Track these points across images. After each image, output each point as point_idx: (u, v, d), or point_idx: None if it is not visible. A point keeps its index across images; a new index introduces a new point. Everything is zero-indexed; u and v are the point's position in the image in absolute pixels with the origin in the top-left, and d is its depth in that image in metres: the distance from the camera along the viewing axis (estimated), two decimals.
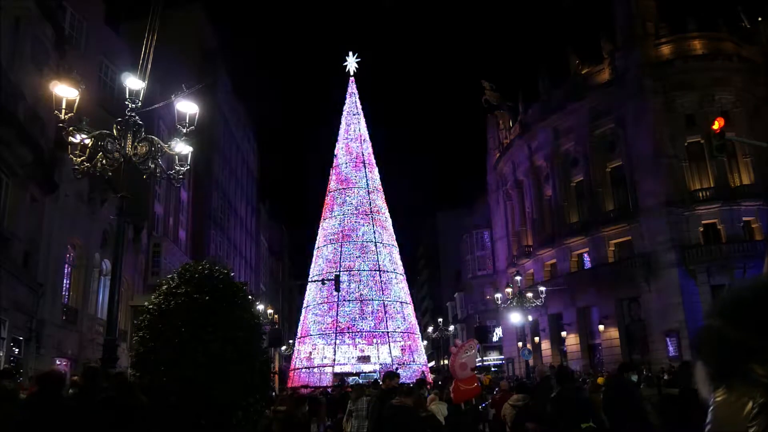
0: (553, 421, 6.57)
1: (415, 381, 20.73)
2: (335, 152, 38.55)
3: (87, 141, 8.63)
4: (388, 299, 34.38)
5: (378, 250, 35.27)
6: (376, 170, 38.13)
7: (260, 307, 29.95)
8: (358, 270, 34.65)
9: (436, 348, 71.37)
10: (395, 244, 36.90)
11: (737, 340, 1.02)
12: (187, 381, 5.77)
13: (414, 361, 33.64)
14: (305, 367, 33.62)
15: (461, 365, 10.19)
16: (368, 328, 33.32)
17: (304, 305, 36.77)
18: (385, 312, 33.85)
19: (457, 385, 10.34)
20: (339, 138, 38.81)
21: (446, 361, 70.03)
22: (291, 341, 48.00)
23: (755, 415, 0.96)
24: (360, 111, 39.33)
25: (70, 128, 8.47)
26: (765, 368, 0.97)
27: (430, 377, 31.97)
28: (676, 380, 11.00)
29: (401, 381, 11.71)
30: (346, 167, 37.46)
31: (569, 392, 6.09)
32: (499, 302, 31.83)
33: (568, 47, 42.73)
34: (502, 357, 50.14)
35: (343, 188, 36.82)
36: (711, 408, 1.07)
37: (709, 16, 46.16)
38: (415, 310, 38.95)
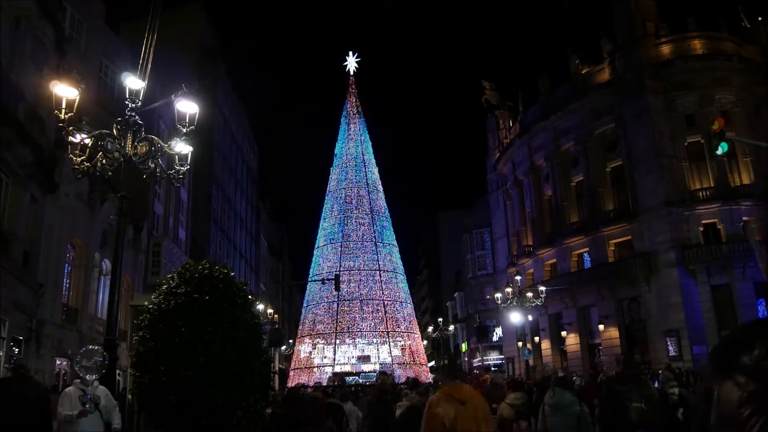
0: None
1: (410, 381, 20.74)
2: (335, 152, 38.58)
3: (87, 141, 8.62)
4: (388, 299, 34.36)
5: (378, 249, 35.26)
6: (376, 170, 38.12)
7: (260, 307, 29.95)
8: (358, 270, 34.63)
9: (436, 348, 71.41)
10: (395, 243, 36.90)
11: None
12: (187, 381, 5.77)
13: (414, 361, 33.64)
14: (305, 367, 33.63)
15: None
16: (368, 328, 33.31)
17: (305, 305, 36.79)
18: (385, 312, 33.83)
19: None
20: (339, 137, 38.82)
21: (446, 361, 70.32)
22: (291, 341, 48.07)
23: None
24: (360, 110, 39.34)
25: (70, 128, 8.46)
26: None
27: (430, 377, 31.96)
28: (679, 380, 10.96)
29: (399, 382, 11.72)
30: (346, 167, 37.43)
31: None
32: (499, 302, 31.81)
33: (568, 47, 42.77)
34: (502, 357, 50.20)
35: (343, 188, 36.80)
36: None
37: (709, 16, 46.30)
38: (415, 310, 38.94)
